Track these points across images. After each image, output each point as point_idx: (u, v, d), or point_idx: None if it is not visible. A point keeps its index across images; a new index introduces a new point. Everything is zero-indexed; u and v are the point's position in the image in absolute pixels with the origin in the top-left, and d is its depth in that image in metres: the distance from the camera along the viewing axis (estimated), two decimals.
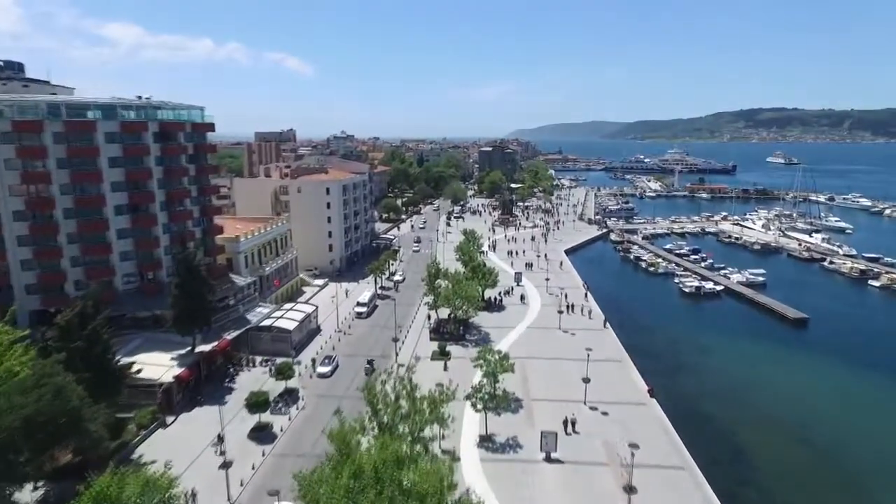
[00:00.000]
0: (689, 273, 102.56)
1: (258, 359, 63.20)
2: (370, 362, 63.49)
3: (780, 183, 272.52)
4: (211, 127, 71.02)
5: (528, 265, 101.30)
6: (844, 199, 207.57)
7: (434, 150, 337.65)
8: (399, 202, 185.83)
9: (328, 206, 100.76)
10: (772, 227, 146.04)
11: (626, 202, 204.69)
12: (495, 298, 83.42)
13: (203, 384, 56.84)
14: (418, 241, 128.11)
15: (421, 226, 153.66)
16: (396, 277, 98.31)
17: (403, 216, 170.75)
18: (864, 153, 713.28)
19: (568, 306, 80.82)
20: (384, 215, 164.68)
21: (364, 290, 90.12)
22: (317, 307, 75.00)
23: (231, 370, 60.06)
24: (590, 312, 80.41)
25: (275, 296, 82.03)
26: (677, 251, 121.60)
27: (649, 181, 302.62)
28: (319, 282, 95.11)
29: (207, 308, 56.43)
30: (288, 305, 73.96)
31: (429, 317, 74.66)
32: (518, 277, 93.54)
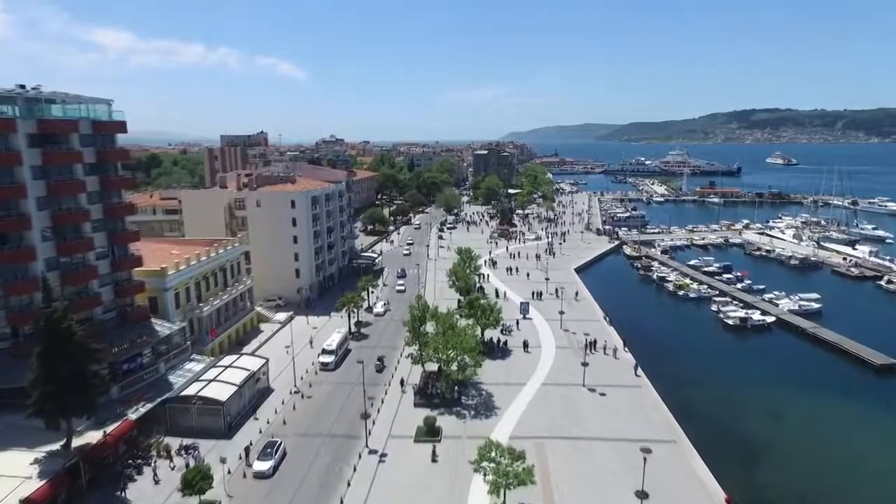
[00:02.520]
0: (726, 298, 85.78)
1: (176, 444, 45.73)
2: (380, 359, 61.93)
3: (793, 185, 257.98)
4: (121, 126, 53.65)
5: (537, 295, 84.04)
6: (870, 202, 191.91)
7: (426, 153, 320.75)
8: (386, 212, 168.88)
9: (294, 222, 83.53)
10: (804, 238, 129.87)
11: (634, 208, 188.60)
12: (499, 340, 66.45)
13: (86, 495, 39.46)
14: (402, 275, 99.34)
15: (406, 251, 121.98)
16: (377, 309, 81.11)
17: (391, 227, 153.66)
18: (863, 153, 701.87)
19: (588, 344, 64.62)
20: (369, 227, 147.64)
21: (336, 326, 73.09)
22: (266, 360, 57.60)
23: (130, 470, 42.53)
24: (615, 352, 64.40)
25: (218, 342, 64.65)
26: (705, 268, 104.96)
27: (653, 184, 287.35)
28: (282, 316, 77.77)
29: (88, 386, 39.07)
30: (228, 359, 56.60)
31: (401, 382, 56.47)
32: (525, 309, 76.65)
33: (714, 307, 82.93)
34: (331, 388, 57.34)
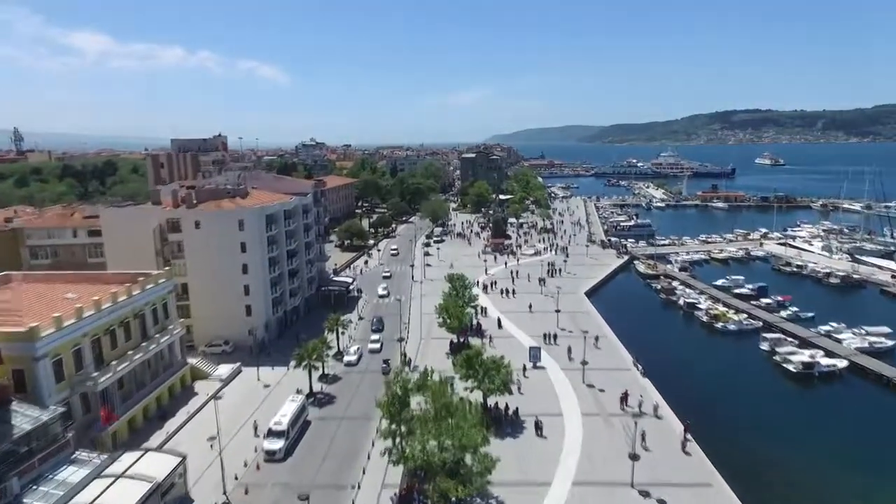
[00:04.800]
0: (778, 334, 70.27)
1: None
2: (386, 362, 60.43)
3: (794, 187, 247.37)
4: None
5: (551, 337, 67.07)
6: (886, 206, 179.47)
7: (410, 157, 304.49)
8: (367, 223, 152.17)
9: (243, 247, 66.59)
10: (833, 249, 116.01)
11: (636, 214, 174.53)
12: (506, 407, 50.19)
13: None
14: (378, 327, 72.67)
15: (383, 289, 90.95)
16: (349, 357, 64.35)
17: (371, 241, 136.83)
18: (847, 152, 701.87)
19: (622, 398, 51.80)
20: (346, 241, 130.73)
21: (296, 383, 56.59)
22: (183, 458, 40.54)
23: None
24: (655, 409, 50.27)
25: (128, 418, 47.45)
26: (735, 289, 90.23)
27: (648, 187, 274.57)
28: (225, 369, 60.73)
29: None
30: (128, 458, 39.38)
31: None
32: (535, 356, 60.68)
33: (764, 345, 67.72)
34: (277, 491, 40.54)
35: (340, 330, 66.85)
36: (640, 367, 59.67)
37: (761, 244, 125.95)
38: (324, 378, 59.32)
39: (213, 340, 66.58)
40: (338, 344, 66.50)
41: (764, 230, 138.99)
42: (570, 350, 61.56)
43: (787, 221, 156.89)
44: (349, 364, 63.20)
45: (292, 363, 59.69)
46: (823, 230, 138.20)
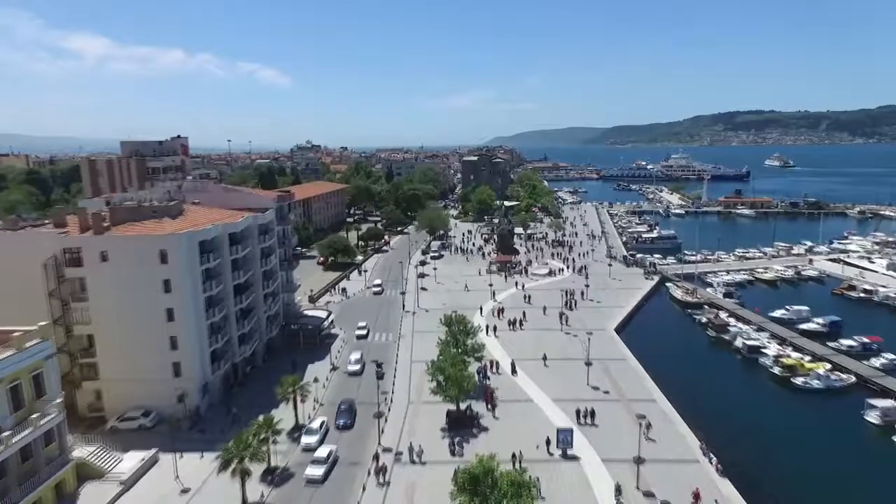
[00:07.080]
0: (874, 389, 52.98)
1: None
2: (380, 364, 55.89)
3: (816, 191, 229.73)
4: None
5: (588, 416, 47.78)
6: None
7: (407, 160, 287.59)
8: (355, 235, 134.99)
9: (167, 285, 49.32)
10: None
11: (656, 223, 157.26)
12: None
13: None
14: (346, 423, 49.09)
15: (360, 342, 68.88)
16: (308, 439, 46.65)
17: (360, 257, 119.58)
18: (856, 154, 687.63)
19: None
20: (331, 259, 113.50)
21: (229, 480, 39.31)
22: None
23: None
24: None
25: None
26: (800, 323, 73.01)
27: (661, 192, 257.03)
28: (134, 459, 43.41)
29: None
30: None
31: None
32: (565, 441, 43.31)
33: (873, 416, 50.15)
34: None
35: (300, 397, 49.47)
36: (711, 457, 42.37)
37: (810, 261, 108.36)
38: (268, 475, 42.06)
39: (127, 412, 49.47)
40: (295, 416, 49.31)
41: (808, 243, 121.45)
42: (617, 490, 38.03)
43: (827, 231, 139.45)
44: (308, 449, 45.64)
45: (223, 458, 41.91)
46: (877, 243, 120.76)
